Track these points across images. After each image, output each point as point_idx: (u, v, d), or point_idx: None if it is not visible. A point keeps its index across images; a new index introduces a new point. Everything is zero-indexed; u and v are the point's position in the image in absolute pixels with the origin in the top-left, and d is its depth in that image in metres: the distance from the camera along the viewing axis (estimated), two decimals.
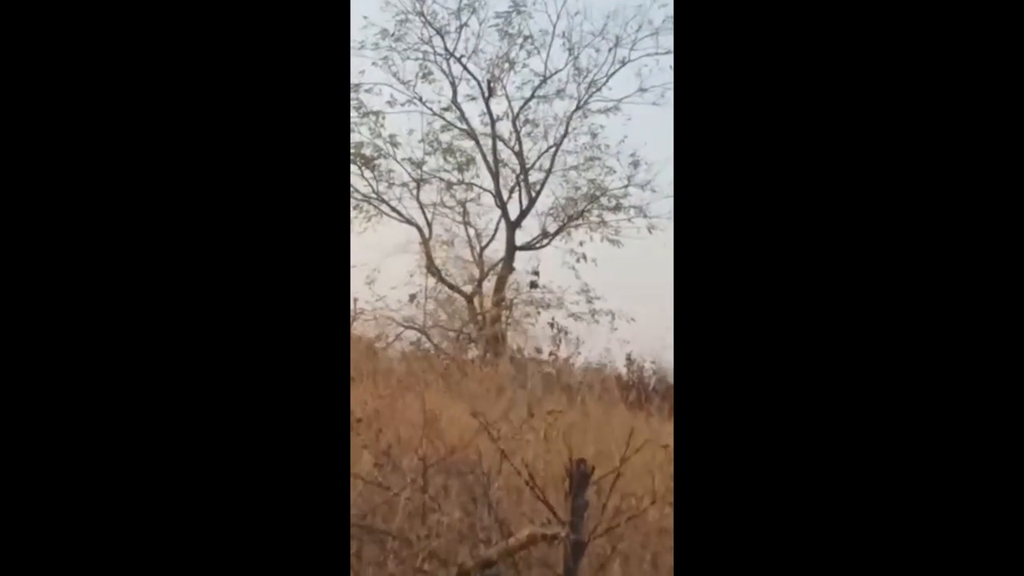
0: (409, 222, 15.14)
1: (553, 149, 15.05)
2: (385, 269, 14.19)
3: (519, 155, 15.09)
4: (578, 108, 14.95)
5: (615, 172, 15.05)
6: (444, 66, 14.92)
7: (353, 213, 14.59)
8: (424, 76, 14.90)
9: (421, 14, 14.66)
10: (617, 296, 14.30)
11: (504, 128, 15.10)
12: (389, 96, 14.89)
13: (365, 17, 14.47)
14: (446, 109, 15.07)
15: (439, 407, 5.34)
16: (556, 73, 14.87)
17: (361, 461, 4.41)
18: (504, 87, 15.00)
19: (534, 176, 15.11)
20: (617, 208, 15.01)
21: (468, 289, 14.95)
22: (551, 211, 15.18)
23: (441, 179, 15.22)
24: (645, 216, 14.80)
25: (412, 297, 14.38)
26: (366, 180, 14.96)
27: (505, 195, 15.13)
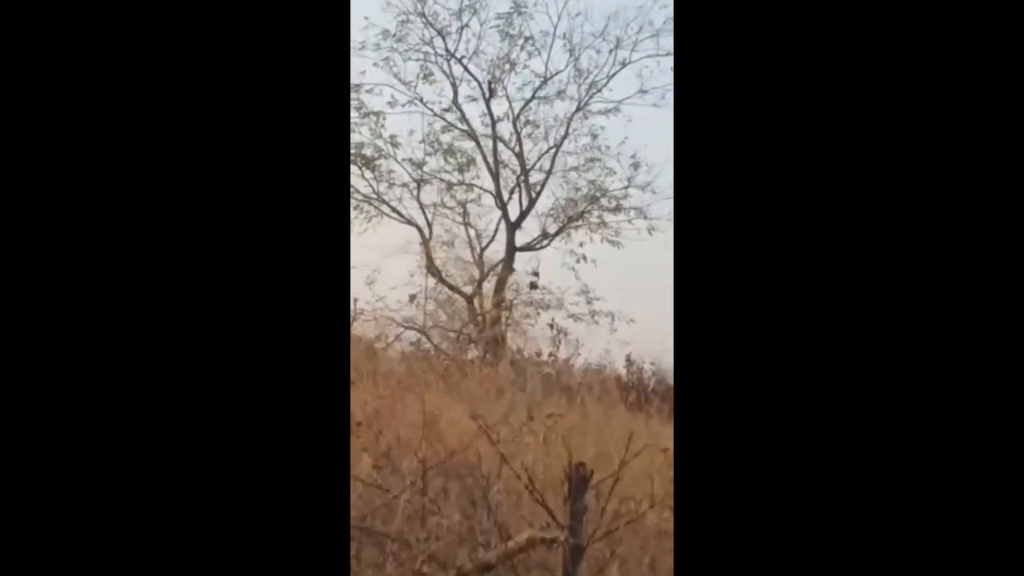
0: (409, 223, 15.16)
1: (553, 150, 15.06)
2: (385, 269, 14.20)
3: (519, 156, 15.09)
4: (579, 109, 14.97)
5: (615, 173, 15.07)
6: (445, 67, 14.95)
7: (353, 213, 14.60)
8: (425, 77, 14.92)
9: (422, 15, 14.68)
10: (617, 297, 14.32)
11: (504, 129, 15.13)
12: (390, 97, 14.91)
13: (366, 18, 14.49)
14: (447, 110, 15.09)
15: (439, 408, 5.34)
16: (557, 74, 14.89)
17: (361, 463, 4.41)
18: (505, 88, 15.02)
19: (534, 177, 15.13)
20: (617, 209, 15.02)
21: (468, 290, 14.96)
22: (551, 212, 15.20)
23: (441, 180, 15.24)
24: (645, 217, 14.82)
25: (412, 298, 14.39)
26: (367, 180, 14.98)
27: (505, 196, 15.14)
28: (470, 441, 4.58)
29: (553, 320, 13.86)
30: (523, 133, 15.09)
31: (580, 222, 15.08)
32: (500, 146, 15.11)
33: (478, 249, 15.15)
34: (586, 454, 4.18)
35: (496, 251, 15.14)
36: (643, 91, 14.56)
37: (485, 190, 15.22)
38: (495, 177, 15.09)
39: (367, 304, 13.14)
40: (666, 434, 5.08)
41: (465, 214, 15.24)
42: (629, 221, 14.90)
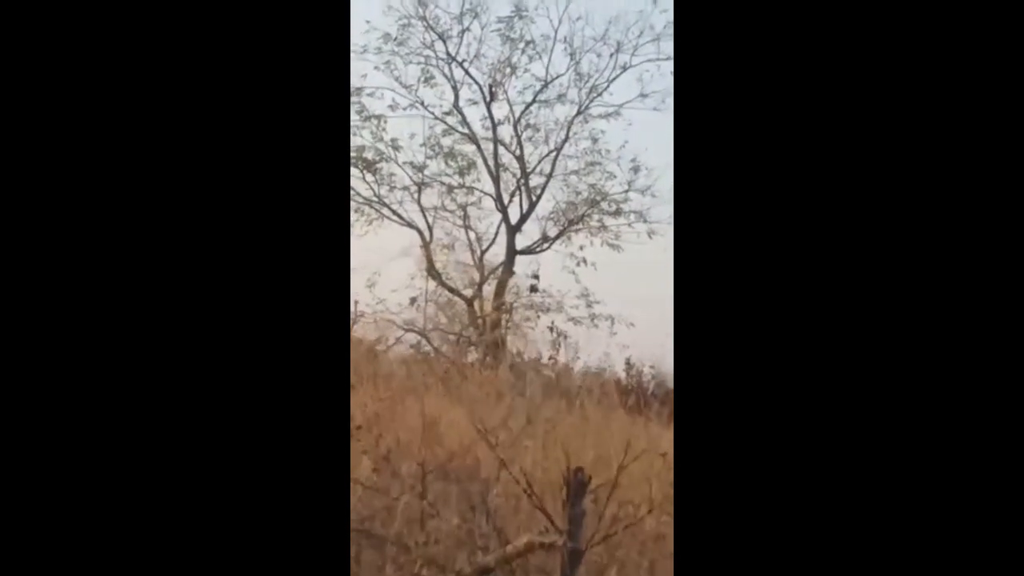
0: (410, 226, 15.14)
1: (554, 154, 15.05)
2: (386, 272, 14.22)
3: (520, 159, 15.08)
4: (579, 113, 14.96)
5: (616, 177, 15.05)
6: (446, 70, 14.93)
7: (354, 216, 14.58)
8: (426, 80, 14.90)
9: (423, 19, 14.66)
10: (617, 301, 14.29)
11: (505, 132, 15.11)
12: (391, 100, 14.89)
13: (368, 21, 14.48)
14: (448, 113, 15.07)
15: (439, 412, 5.35)
16: (557, 78, 14.87)
17: (360, 466, 4.41)
18: (505, 91, 15.00)
19: (535, 180, 15.12)
20: (617, 213, 15.00)
21: (468, 293, 14.94)
22: (551, 215, 15.19)
23: (442, 183, 15.21)
24: (645, 221, 14.80)
25: (412, 300, 14.36)
26: (367, 184, 14.96)
27: (506, 199, 15.13)
28: (469, 445, 4.59)
29: (553, 323, 13.84)
30: (524, 137, 15.08)
31: (580, 225, 15.07)
32: (501, 149, 15.11)
33: (478, 252, 15.14)
34: (585, 458, 4.19)
35: (496, 254, 15.13)
36: (643, 95, 14.56)
37: (486, 193, 15.22)
38: (496, 180, 15.08)
39: (367, 307, 13.12)
40: (665, 439, 5.09)
41: (466, 217, 15.23)
42: (629, 225, 14.89)
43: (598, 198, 15.11)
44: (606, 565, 4.05)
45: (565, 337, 13.08)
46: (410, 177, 15.07)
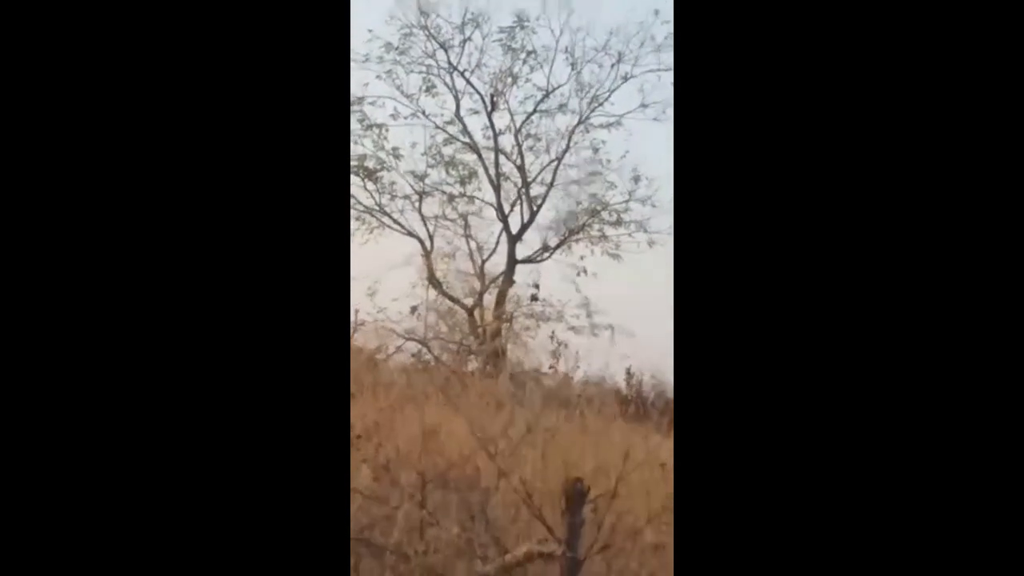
0: (411, 234, 15.17)
1: (555, 163, 15.09)
2: (386, 281, 14.19)
3: (521, 169, 15.11)
4: (580, 123, 15.01)
5: (616, 187, 15.10)
6: (447, 80, 14.99)
7: (355, 225, 14.62)
8: (427, 89, 14.96)
9: (425, 28, 14.71)
10: (617, 310, 14.31)
11: (506, 142, 15.16)
12: (392, 109, 14.95)
13: (370, 30, 14.54)
14: (449, 122, 15.12)
15: (438, 421, 5.34)
16: (558, 88, 14.93)
17: (360, 475, 4.41)
18: (507, 101, 15.05)
19: (536, 190, 15.15)
20: (618, 223, 15.04)
21: (469, 302, 14.95)
22: (552, 225, 15.23)
23: (443, 192, 15.25)
24: (645, 231, 14.84)
25: (413, 309, 14.37)
26: (369, 192, 15.00)
27: (507, 208, 15.16)
28: (469, 454, 4.59)
29: (553, 333, 13.80)
30: (525, 146, 15.13)
31: (581, 235, 15.10)
32: (502, 159, 15.15)
33: (479, 261, 15.16)
34: (585, 467, 4.19)
35: (497, 263, 15.16)
36: (644, 105, 14.62)
37: (487, 202, 15.26)
38: (497, 190, 15.11)
39: (368, 315, 13.09)
40: (664, 448, 5.08)
41: (466, 226, 15.26)
42: (630, 234, 14.93)
43: (599, 208, 15.15)
44: (605, 575, 4.04)
45: (565, 346, 13.01)
46: (411, 186, 15.12)
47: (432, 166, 15.17)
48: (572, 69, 14.84)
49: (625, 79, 14.74)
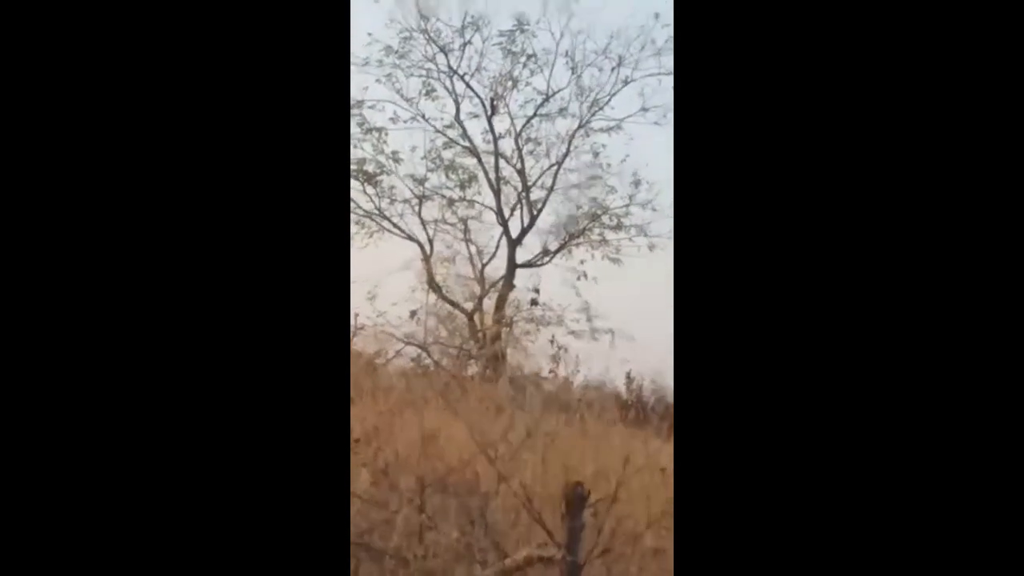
0: (411, 238, 15.19)
1: (555, 167, 15.11)
2: (386, 285, 14.24)
3: (521, 173, 15.13)
4: (580, 127, 15.03)
5: (616, 191, 15.12)
6: (447, 83, 15.00)
7: (355, 229, 14.63)
8: (427, 93, 14.97)
9: (425, 32, 14.73)
10: (617, 315, 14.31)
11: (506, 146, 15.18)
12: (392, 113, 14.97)
13: (369, 34, 14.55)
14: (449, 126, 15.14)
15: (438, 425, 5.34)
16: (559, 92, 14.94)
17: (359, 479, 4.41)
18: (507, 105, 15.07)
19: (536, 194, 15.17)
20: (618, 227, 15.05)
21: (469, 306, 14.96)
22: (552, 229, 15.25)
23: (443, 196, 15.26)
24: (646, 235, 14.86)
25: (413, 313, 14.36)
26: (368, 196, 15.02)
27: (507, 212, 15.18)
28: (469, 458, 4.58)
29: (553, 337, 13.81)
30: (525, 150, 15.14)
31: (581, 239, 15.12)
32: (502, 163, 15.17)
33: (479, 265, 15.18)
34: (585, 471, 4.19)
35: (497, 268, 15.17)
36: (644, 109, 14.64)
37: (486, 207, 15.27)
38: (496, 194, 15.13)
39: (368, 319, 13.10)
40: (664, 453, 5.07)
41: (466, 230, 15.27)
42: (630, 239, 14.95)
43: (599, 212, 15.17)
44: None
45: (565, 351, 13.04)
46: (411, 190, 15.14)
47: (432, 170, 15.21)
48: (572, 73, 14.88)
49: (625, 83, 14.79)
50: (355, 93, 14.22)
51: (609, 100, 14.91)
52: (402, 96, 14.89)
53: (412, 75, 14.88)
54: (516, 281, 15.02)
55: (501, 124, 15.08)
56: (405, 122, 14.96)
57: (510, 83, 14.92)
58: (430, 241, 15.16)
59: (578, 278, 14.69)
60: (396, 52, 14.75)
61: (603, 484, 3.92)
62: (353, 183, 14.37)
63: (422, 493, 4.34)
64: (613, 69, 14.71)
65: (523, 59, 14.80)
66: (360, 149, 14.70)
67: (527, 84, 14.94)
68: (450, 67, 14.85)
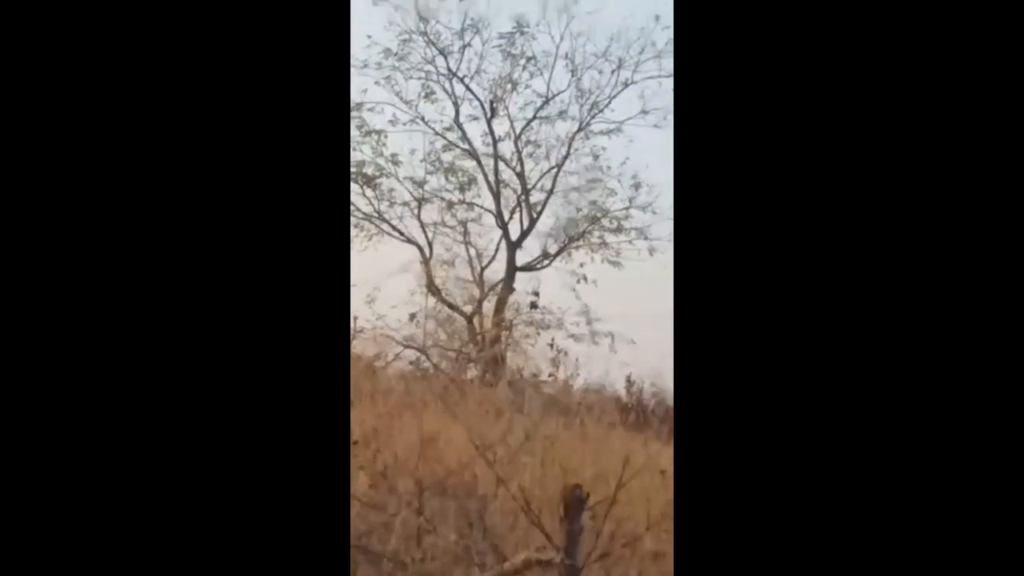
0: (410, 241, 15.18)
1: (555, 170, 15.10)
2: (385, 288, 14.16)
3: (521, 175, 15.12)
4: (580, 129, 15.01)
5: (616, 194, 15.10)
6: (447, 86, 14.99)
7: (354, 232, 14.61)
8: (427, 96, 14.96)
9: (424, 34, 14.73)
10: (617, 318, 14.29)
11: (506, 148, 15.17)
12: (391, 115, 14.96)
13: (369, 36, 14.55)
14: (448, 129, 15.13)
15: (437, 428, 5.34)
16: (559, 94, 14.94)
17: (357, 482, 4.41)
18: (506, 107, 15.06)
19: (535, 197, 15.16)
20: (618, 230, 15.04)
21: (468, 309, 14.95)
22: (552, 232, 15.23)
23: (442, 199, 15.26)
24: (646, 238, 14.84)
25: (412, 316, 14.35)
26: (367, 199, 15.01)
27: (506, 215, 15.17)
28: (468, 461, 4.58)
29: (553, 340, 13.79)
30: (524, 153, 15.13)
31: (581, 242, 15.11)
32: (501, 165, 15.16)
33: (478, 268, 15.17)
34: (584, 475, 4.18)
35: (496, 271, 15.16)
36: (644, 112, 14.63)
37: (486, 209, 15.26)
38: (496, 196, 15.12)
39: (367, 322, 13.11)
40: (664, 455, 5.07)
41: (466, 233, 15.26)
42: (630, 242, 14.94)
43: (599, 215, 15.16)
44: None
45: (565, 354, 13.06)
46: (410, 193, 15.13)
47: (431, 173, 15.20)
48: (572, 75, 14.87)
49: (625, 85, 14.78)
50: (354, 96, 14.22)
51: (609, 103, 14.92)
52: (401, 98, 14.91)
53: (411, 77, 14.90)
54: (516, 284, 15.02)
55: (501, 127, 15.10)
56: (404, 124, 14.98)
57: (510, 85, 14.93)
58: (429, 244, 15.17)
59: (578, 281, 14.70)
60: (395, 54, 14.76)
61: (602, 487, 3.91)
62: (352, 186, 14.37)
63: (420, 496, 4.34)
64: (613, 71, 14.72)
65: (523, 61, 14.82)
66: (359, 152, 14.71)
67: (527, 87, 14.96)
68: (449, 69, 14.86)
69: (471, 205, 15.28)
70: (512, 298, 14.89)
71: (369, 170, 14.90)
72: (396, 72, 14.80)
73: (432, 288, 14.77)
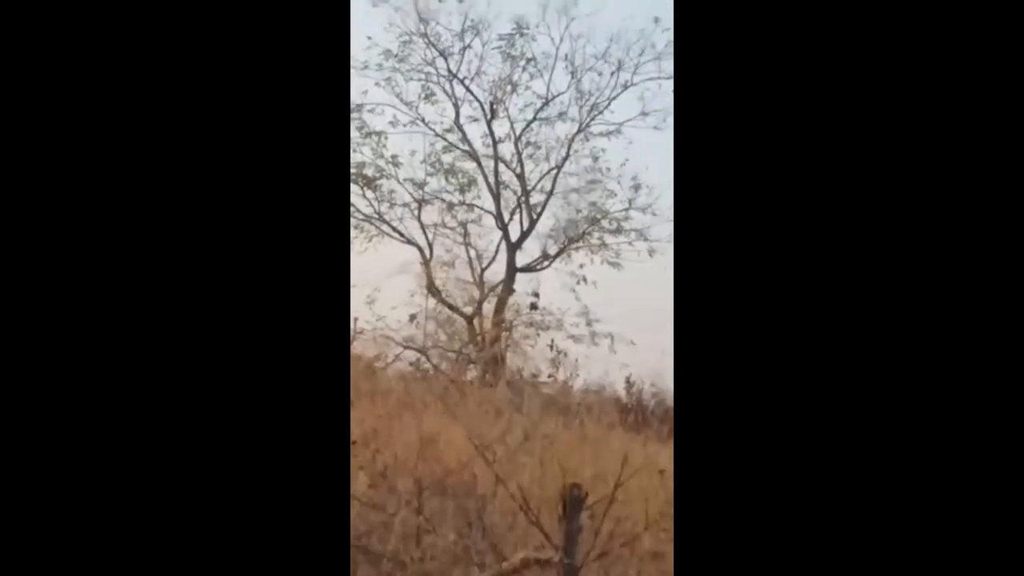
0: (410, 242, 15.17)
1: (554, 171, 15.09)
2: (385, 289, 14.16)
3: (520, 177, 15.11)
4: (580, 131, 15.00)
5: (616, 195, 15.09)
6: (447, 87, 14.98)
7: (354, 233, 14.60)
8: (427, 97, 14.96)
9: (424, 35, 14.72)
10: (617, 319, 14.29)
11: (506, 150, 15.15)
12: (392, 116, 14.95)
13: (369, 38, 14.54)
14: (448, 130, 15.12)
15: (436, 429, 5.35)
16: (558, 96, 14.92)
17: (357, 482, 4.41)
18: (506, 109, 15.05)
19: (535, 198, 15.16)
20: (618, 231, 15.03)
21: (468, 310, 14.94)
22: (552, 233, 15.22)
23: (442, 200, 15.24)
24: (645, 239, 14.83)
25: (412, 317, 14.35)
26: (368, 200, 14.99)
27: (506, 216, 15.16)
28: (467, 461, 4.59)
29: (553, 341, 13.79)
30: (524, 154, 15.12)
31: (581, 243, 15.10)
32: (501, 167, 15.14)
33: (478, 269, 15.16)
34: (584, 475, 4.19)
35: (496, 272, 15.15)
36: (644, 113, 14.61)
37: (486, 211, 15.25)
38: (496, 198, 15.11)
39: (367, 323, 13.11)
40: (663, 455, 5.08)
41: (466, 234, 15.26)
42: (630, 243, 14.93)
43: (599, 216, 15.14)
44: None
45: (565, 355, 13.07)
46: (410, 194, 15.11)
47: (431, 174, 15.19)
48: (572, 77, 14.86)
49: (625, 87, 14.76)
50: (354, 97, 14.22)
51: (609, 104, 14.90)
52: (401, 100, 14.90)
53: (412, 79, 14.89)
54: (515, 285, 15.01)
55: (501, 128, 15.09)
56: (404, 126, 14.97)
57: (509, 87, 14.92)
58: (429, 245, 15.16)
59: (577, 282, 14.69)
60: (395, 56, 14.76)
61: (601, 487, 3.92)
62: (352, 187, 14.36)
63: (420, 495, 4.35)
64: (613, 73, 14.71)
65: (523, 63, 14.81)
66: (359, 153, 14.70)
67: (527, 88, 14.94)
68: (450, 71, 14.85)
69: (471, 206, 15.29)
70: (512, 299, 14.89)
71: (369, 171, 14.91)
72: (396, 73, 14.81)
73: (432, 289, 14.77)
